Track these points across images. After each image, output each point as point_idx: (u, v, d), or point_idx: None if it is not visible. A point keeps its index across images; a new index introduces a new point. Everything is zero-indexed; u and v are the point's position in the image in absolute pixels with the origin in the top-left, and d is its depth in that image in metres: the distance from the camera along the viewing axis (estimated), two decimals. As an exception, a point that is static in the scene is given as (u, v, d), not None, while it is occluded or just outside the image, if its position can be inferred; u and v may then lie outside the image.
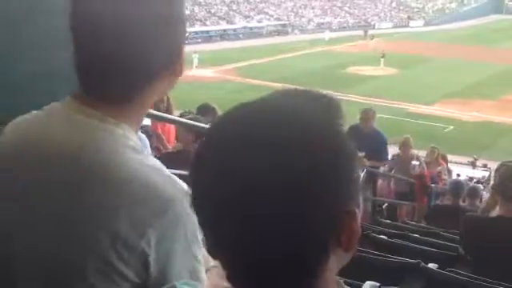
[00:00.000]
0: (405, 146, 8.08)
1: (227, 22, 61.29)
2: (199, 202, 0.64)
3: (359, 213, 0.66)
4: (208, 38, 55.20)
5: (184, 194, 0.91)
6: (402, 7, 76.80)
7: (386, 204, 8.39)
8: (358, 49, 49.32)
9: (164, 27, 0.95)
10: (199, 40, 53.69)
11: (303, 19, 67.59)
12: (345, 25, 67.87)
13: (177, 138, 5.69)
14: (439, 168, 9.47)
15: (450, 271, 2.76)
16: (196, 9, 62.61)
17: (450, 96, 31.57)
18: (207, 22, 60.01)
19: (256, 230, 0.60)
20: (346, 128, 0.68)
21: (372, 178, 8.23)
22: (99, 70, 0.94)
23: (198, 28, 57.25)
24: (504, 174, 3.07)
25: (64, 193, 0.91)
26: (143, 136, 3.34)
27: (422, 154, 9.55)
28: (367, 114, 7.27)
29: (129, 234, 0.88)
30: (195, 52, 39.29)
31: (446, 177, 9.66)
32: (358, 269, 2.87)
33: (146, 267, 0.90)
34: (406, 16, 73.66)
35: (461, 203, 5.96)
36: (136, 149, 0.95)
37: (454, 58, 43.28)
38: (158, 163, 0.96)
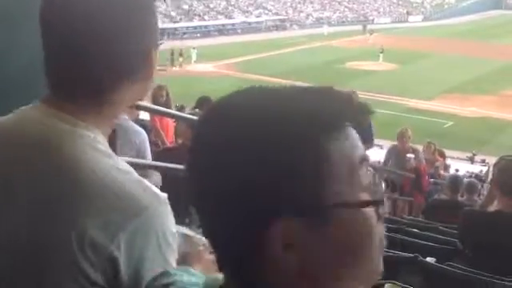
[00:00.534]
0: (402, 137, 7.73)
1: (226, 17, 61.19)
2: (197, 195, 0.64)
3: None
4: (206, 32, 55.14)
5: (155, 198, 0.92)
6: (400, 2, 76.72)
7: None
8: (356, 44, 49.27)
9: (134, 30, 0.95)
10: (198, 35, 53.66)
11: (302, 14, 67.51)
12: (344, 20, 67.82)
13: (175, 133, 5.70)
14: (436, 164, 9.33)
15: (447, 265, 2.77)
16: (195, 3, 62.50)
17: (450, 91, 31.58)
18: (206, 17, 59.92)
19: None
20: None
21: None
22: (68, 72, 0.94)
23: (196, 23, 57.19)
24: (502, 168, 3.07)
25: (32, 193, 0.91)
26: (142, 131, 3.33)
27: (421, 148, 9.46)
28: None
29: (98, 237, 0.87)
30: (193, 47, 39.27)
31: (442, 171, 9.64)
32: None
33: (116, 271, 0.88)
34: (404, 11, 73.60)
35: (459, 198, 5.96)
36: (106, 152, 0.95)
37: (454, 54, 43.26)
38: (128, 167, 0.95)
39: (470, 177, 10.52)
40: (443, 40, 50.56)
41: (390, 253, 3.01)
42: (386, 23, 66.48)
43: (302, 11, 68.40)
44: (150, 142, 3.44)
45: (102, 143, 0.96)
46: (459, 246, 3.29)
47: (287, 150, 0.59)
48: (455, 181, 5.98)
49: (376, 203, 0.62)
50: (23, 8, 1.39)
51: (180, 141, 4.87)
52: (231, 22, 59.90)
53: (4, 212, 0.92)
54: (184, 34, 53.54)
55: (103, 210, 0.88)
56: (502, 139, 22.90)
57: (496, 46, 46.97)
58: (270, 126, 0.59)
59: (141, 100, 1.10)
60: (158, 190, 0.94)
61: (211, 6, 63.30)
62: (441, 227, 4.54)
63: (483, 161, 18.48)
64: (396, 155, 7.73)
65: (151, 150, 3.40)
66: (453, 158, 15.72)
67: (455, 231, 3.75)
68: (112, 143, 2.01)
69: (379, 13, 72.22)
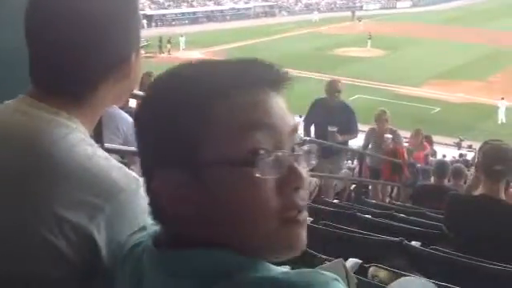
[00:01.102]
0: (380, 119, 7.35)
1: (214, 3, 60.78)
2: None
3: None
4: (195, 19, 54.83)
5: (134, 181, 0.94)
6: (389, -12, 76.53)
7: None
8: (345, 30, 49.24)
9: (116, 27, 0.99)
10: (186, 21, 53.31)
11: (291, 0, 67.21)
12: (332, 6, 67.61)
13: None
14: (426, 152, 9.13)
15: (432, 249, 2.81)
16: (183, -10, 61.99)
17: (438, 77, 31.73)
18: (194, 3, 59.46)
19: None
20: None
21: (359, 157, 8.12)
22: (50, 64, 0.97)
23: (184, 9, 56.78)
24: (487, 152, 3.10)
25: (12, 177, 0.92)
26: (129, 118, 3.31)
27: (408, 135, 9.44)
28: (332, 85, 6.68)
29: (77, 218, 0.89)
30: (181, 35, 39.09)
31: (432, 158, 9.64)
32: (341, 246, 2.91)
33: (97, 252, 0.90)
34: (393, -3, 73.49)
35: (445, 183, 6.02)
36: (86, 140, 0.98)
37: (442, 39, 43.39)
38: (107, 155, 0.98)
39: (458, 162, 10.60)
40: (431, 26, 50.65)
41: (376, 236, 3.04)
42: (374, 9, 66.41)
43: (290, -3, 68.10)
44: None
45: (83, 132, 0.99)
46: (444, 230, 3.33)
47: (175, 113, 0.67)
48: (442, 166, 6.03)
49: (247, 163, 0.64)
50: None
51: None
52: (220, 8, 59.55)
53: None
54: (172, 20, 53.18)
55: (80, 192, 0.90)
56: (489, 125, 23.11)
57: (484, 32, 47.14)
58: (171, 94, 0.69)
59: (122, 101, 1.12)
60: (137, 175, 0.96)
61: (199, -8, 62.85)
62: (428, 212, 4.60)
63: (470, 146, 18.64)
64: (374, 138, 7.46)
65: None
66: (440, 143, 15.86)
67: (441, 216, 3.80)
68: (98, 130, 2.01)
69: (368, -1, 72.09)
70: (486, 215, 3.02)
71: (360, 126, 7.07)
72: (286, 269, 0.69)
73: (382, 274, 2.41)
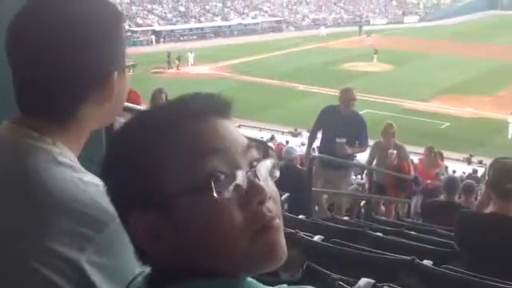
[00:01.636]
0: (386, 133, 7.04)
1: (222, 19, 61.18)
2: None
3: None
4: (202, 34, 55.16)
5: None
6: (396, 3, 76.80)
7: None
8: (353, 45, 49.34)
9: (94, 45, 0.98)
10: (194, 37, 53.63)
11: (298, 15, 67.55)
12: (339, 21, 67.88)
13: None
14: (437, 170, 8.79)
15: (444, 268, 2.79)
16: (191, 5, 62.45)
17: (446, 92, 31.65)
18: (202, 19, 59.89)
19: None
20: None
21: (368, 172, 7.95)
22: (30, 94, 0.98)
23: (192, 25, 57.16)
24: (498, 170, 3.09)
25: (2, 210, 0.93)
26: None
27: (418, 150, 9.39)
28: (348, 93, 6.37)
29: (69, 251, 0.88)
30: (190, 51, 39.36)
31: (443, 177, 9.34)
32: (352, 266, 2.90)
33: (89, 283, 0.90)
34: (400, 12, 73.71)
35: (456, 199, 5.99)
36: (73, 167, 0.97)
37: (450, 54, 43.34)
38: (95, 179, 0.95)
39: (469, 177, 10.52)
40: (439, 41, 50.65)
41: (387, 255, 3.03)
42: (381, 24, 66.56)
43: (297, 13, 68.43)
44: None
45: (70, 158, 0.98)
46: (456, 248, 3.31)
47: (132, 157, 0.70)
48: (452, 182, 5.99)
49: (206, 188, 0.66)
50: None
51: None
52: (227, 23, 59.91)
53: None
54: (181, 36, 53.53)
55: (70, 223, 0.89)
56: (500, 140, 22.98)
57: (492, 47, 47.09)
58: (125, 143, 0.73)
59: (107, 122, 1.11)
60: None
61: (207, 7, 63.27)
62: (439, 229, 4.57)
63: (480, 162, 18.52)
64: (380, 152, 7.12)
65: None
66: (450, 159, 15.77)
67: (452, 233, 3.78)
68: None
69: (375, 13, 72.30)
70: (498, 234, 3.00)
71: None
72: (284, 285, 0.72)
73: (395, 293, 2.40)
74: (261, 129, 22.60)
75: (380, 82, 34.12)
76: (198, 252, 0.68)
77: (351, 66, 39.67)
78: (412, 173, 7.31)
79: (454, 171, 12.98)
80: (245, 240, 0.68)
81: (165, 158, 0.69)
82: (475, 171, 15.40)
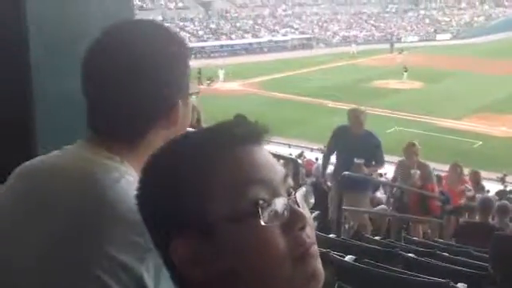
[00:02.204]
0: (408, 152, 6.91)
1: (252, 36, 61.67)
2: None
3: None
4: (233, 51, 55.64)
5: None
6: (428, 21, 76.34)
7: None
8: (383, 62, 49.11)
9: (165, 75, 1.06)
10: (224, 53, 54.15)
11: (328, 33, 67.65)
12: (370, 38, 67.72)
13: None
14: (462, 187, 8.37)
15: (480, 292, 2.74)
16: (222, 23, 63.18)
17: (479, 111, 31.15)
18: (233, 36, 60.48)
19: None
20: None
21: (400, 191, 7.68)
22: (106, 113, 1.07)
23: (223, 42, 57.77)
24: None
25: (71, 218, 0.98)
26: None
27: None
28: (356, 113, 6.27)
29: (129, 259, 0.94)
30: (221, 68, 39.73)
31: (470, 193, 9.07)
32: (385, 287, 2.86)
33: None
34: (432, 29, 73.18)
35: (490, 220, 5.87)
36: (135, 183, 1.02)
37: (482, 73, 42.74)
38: None
39: (501, 199, 10.29)
40: (471, 58, 50.03)
41: (421, 277, 2.99)
42: (412, 42, 66.17)
43: (328, 30, 68.57)
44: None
45: (133, 176, 1.04)
46: (491, 271, 3.24)
47: (178, 185, 0.71)
48: (486, 203, 5.88)
49: (245, 215, 0.68)
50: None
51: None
52: (257, 40, 60.36)
53: (39, 232, 1.00)
54: (211, 52, 54.12)
55: (130, 234, 0.94)
56: (533, 159, 22.44)
57: (526, 65, 46.21)
58: (164, 168, 0.74)
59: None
60: None
61: (238, 25, 63.93)
62: (473, 251, 4.48)
63: (514, 181, 18.11)
64: (402, 171, 6.99)
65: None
66: (483, 178, 15.48)
67: (487, 255, 3.70)
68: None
69: (406, 31, 71.94)
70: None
71: (397, 159, 6.89)
72: None
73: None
74: (290, 145, 22.55)
75: (411, 99, 33.80)
76: (240, 279, 0.69)
77: (382, 83, 39.44)
78: (436, 195, 7.03)
79: (488, 191, 12.71)
80: (287, 267, 0.69)
81: (209, 185, 0.70)
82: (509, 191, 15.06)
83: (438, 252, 4.25)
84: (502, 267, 3.15)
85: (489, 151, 23.99)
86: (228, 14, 65.79)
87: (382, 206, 7.49)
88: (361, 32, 69.50)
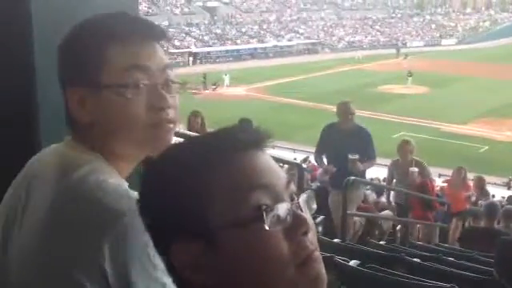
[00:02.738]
0: (402, 150, 6.68)
1: (258, 41, 61.77)
2: None
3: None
4: (238, 56, 55.73)
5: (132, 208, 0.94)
6: (434, 26, 76.27)
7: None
8: (389, 67, 49.06)
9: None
10: (230, 58, 54.26)
11: (334, 38, 67.68)
12: (375, 43, 67.71)
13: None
14: (468, 193, 8.25)
15: (484, 296, 2.72)
16: (227, 28, 63.33)
17: (484, 116, 31.07)
18: (238, 41, 60.59)
19: None
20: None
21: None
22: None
23: (228, 47, 57.88)
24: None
25: (41, 216, 1.00)
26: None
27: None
28: (344, 107, 6.01)
29: (88, 250, 0.94)
30: (225, 74, 39.81)
31: (474, 198, 8.97)
32: (391, 292, 2.85)
33: (107, 283, 0.93)
34: (438, 34, 73.11)
35: (496, 225, 5.85)
36: (100, 171, 1.03)
37: (487, 77, 42.63)
38: (118, 181, 1.02)
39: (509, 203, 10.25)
40: (477, 64, 49.92)
41: (426, 282, 2.98)
42: (418, 46, 66.12)
43: (333, 35, 68.61)
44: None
45: (104, 167, 1.04)
46: (496, 276, 3.23)
47: (175, 191, 0.71)
48: (492, 208, 5.86)
49: (249, 220, 0.68)
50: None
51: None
52: (263, 45, 60.45)
53: (24, 228, 1.04)
54: (217, 57, 54.24)
55: (85, 225, 0.95)
56: (540, 164, 22.33)
57: (532, 70, 46.04)
58: (167, 173, 0.73)
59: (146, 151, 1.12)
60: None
61: (243, 30, 64.05)
62: (478, 256, 4.46)
63: (520, 186, 18.05)
64: (398, 171, 6.75)
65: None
66: (489, 183, 15.42)
67: (492, 260, 3.69)
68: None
69: (411, 36, 71.91)
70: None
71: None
72: None
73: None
74: (295, 150, 22.54)
75: (416, 104, 33.74)
76: (242, 284, 0.69)
77: (387, 88, 39.40)
78: (436, 191, 7.02)
79: (493, 196, 12.66)
80: (290, 271, 0.69)
81: (211, 191, 0.70)
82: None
83: (443, 257, 4.24)
84: (507, 272, 3.13)
85: (495, 156, 23.91)
86: (233, 20, 65.94)
87: (387, 211, 7.40)
88: (366, 37, 69.49)
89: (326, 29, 69.78)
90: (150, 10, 60.33)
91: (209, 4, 67.60)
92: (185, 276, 0.71)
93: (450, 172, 7.89)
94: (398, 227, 7.37)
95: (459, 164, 9.50)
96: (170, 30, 58.18)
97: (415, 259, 3.84)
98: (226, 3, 69.66)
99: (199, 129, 5.80)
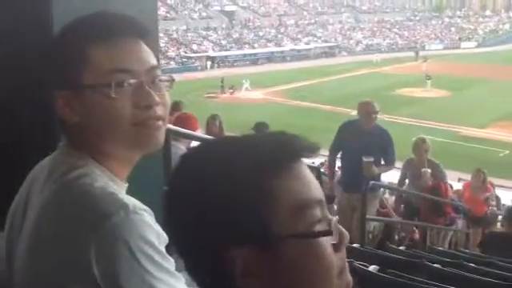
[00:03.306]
0: (418, 149, 6.36)
1: (275, 45, 61.82)
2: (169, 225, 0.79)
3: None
4: (255, 60, 55.83)
5: (122, 207, 0.94)
6: (453, 29, 75.63)
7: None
8: (407, 70, 48.71)
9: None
10: (247, 62, 54.38)
11: (351, 41, 67.47)
12: (394, 46, 67.33)
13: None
14: (487, 194, 8.04)
15: (507, 303, 2.68)
16: (245, 32, 63.50)
17: (504, 119, 30.65)
18: (255, 45, 60.70)
19: None
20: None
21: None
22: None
23: (246, 51, 58.02)
24: None
25: (35, 218, 1.02)
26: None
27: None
28: (366, 106, 5.73)
29: (74, 254, 0.94)
30: (246, 80, 39.78)
31: (493, 202, 8.61)
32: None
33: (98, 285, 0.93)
34: (457, 37, 72.49)
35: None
36: (88, 175, 1.02)
37: (508, 80, 42.08)
38: (104, 184, 1.00)
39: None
40: (497, 66, 49.33)
41: (446, 288, 2.94)
42: (437, 49, 65.61)
43: (351, 38, 68.41)
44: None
45: (96, 172, 1.03)
46: (518, 282, 3.17)
47: (234, 192, 0.70)
48: (512, 213, 5.77)
49: (319, 234, 0.71)
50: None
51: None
52: (280, 49, 60.48)
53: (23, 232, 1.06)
54: (234, 61, 54.39)
55: (74, 225, 0.95)
56: (562, 169, 21.96)
57: (553, 72, 45.35)
58: (220, 177, 0.71)
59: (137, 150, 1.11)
60: (131, 201, 0.97)
61: (261, 34, 64.17)
62: (498, 262, 4.39)
63: (541, 191, 17.77)
64: (412, 171, 6.42)
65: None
66: (510, 188, 15.22)
67: (514, 266, 3.63)
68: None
69: (430, 39, 71.39)
70: None
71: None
72: None
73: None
74: (313, 154, 22.55)
75: (436, 107, 33.42)
76: None
77: (406, 91, 39.10)
78: (450, 195, 6.60)
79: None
80: (335, 281, 0.73)
81: (274, 197, 0.70)
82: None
83: (464, 263, 4.18)
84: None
85: (516, 160, 23.58)
86: (251, 24, 66.12)
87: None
88: (384, 40, 69.17)
89: (343, 32, 69.60)
90: (168, 15, 60.77)
91: (227, 8, 67.87)
92: (239, 283, 0.71)
93: (469, 176, 7.72)
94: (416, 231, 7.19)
95: (480, 168, 9.35)
96: (188, 34, 58.58)
97: (435, 265, 3.79)
98: (243, 7, 69.88)
99: (217, 132, 5.81)
